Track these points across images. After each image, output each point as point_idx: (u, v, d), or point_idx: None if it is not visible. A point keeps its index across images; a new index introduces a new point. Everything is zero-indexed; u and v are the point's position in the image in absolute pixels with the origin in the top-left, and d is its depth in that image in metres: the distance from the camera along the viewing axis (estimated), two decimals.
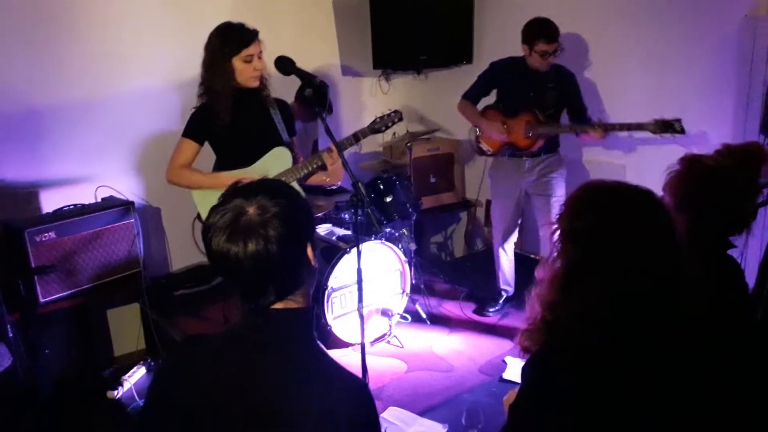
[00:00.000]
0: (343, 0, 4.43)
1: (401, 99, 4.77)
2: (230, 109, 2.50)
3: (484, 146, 3.54)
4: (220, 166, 2.71)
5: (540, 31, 3.15)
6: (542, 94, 3.29)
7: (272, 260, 1.03)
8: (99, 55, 3.50)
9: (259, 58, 2.51)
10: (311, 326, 1.18)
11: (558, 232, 1.15)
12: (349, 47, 4.50)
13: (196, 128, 2.61)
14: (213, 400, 1.07)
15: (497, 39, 4.32)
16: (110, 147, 3.60)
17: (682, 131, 2.90)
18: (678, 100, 3.26)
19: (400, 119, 2.78)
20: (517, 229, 3.63)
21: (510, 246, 3.63)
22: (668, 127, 2.89)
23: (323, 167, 2.59)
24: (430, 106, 4.88)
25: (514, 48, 3.40)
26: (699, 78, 3.25)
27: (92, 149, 3.52)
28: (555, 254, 1.15)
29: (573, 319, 1.09)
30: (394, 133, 4.36)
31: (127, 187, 3.53)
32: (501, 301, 3.72)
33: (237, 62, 2.47)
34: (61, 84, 3.39)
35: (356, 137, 2.66)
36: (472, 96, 3.50)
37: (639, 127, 2.99)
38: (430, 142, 4.56)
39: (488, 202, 4.67)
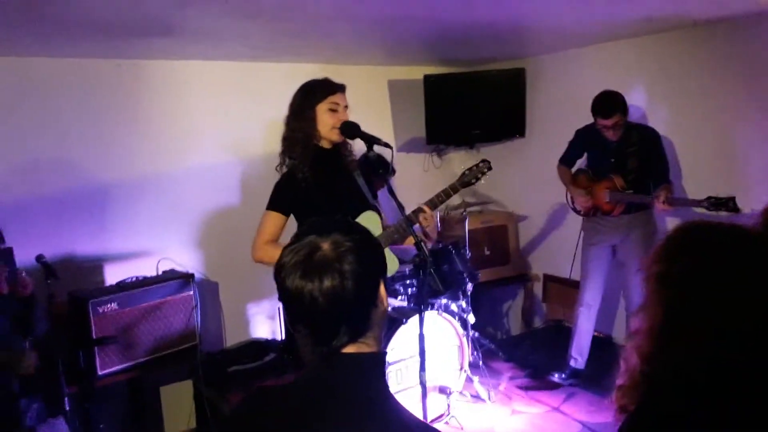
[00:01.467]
0: (398, 78, 4.59)
1: (454, 174, 4.78)
2: (311, 165, 2.31)
3: (578, 206, 3.64)
4: None
5: (597, 107, 3.31)
6: (623, 159, 3.38)
7: (347, 297, 1.00)
8: (163, 132, 3.69)
9: (345, 111, 2.37)
10: (384, 371, 1.13)
11: (651, 277, 1.06)
12: (402, 123, 4.61)
13: (281, 198, 2.38)
14: None
15: (549, 112, 4.36)
16: (173, 221, 3.70)
17: (736, 209, 2.88)
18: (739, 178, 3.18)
19: (490, 168, 2.62)
20: (600, 298, 3.54)
21: (593, 308, 3.55)
22: (722, 205, 2.89)
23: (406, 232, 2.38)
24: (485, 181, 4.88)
25: (566, 120, 3.44)
26: (764, 138, 3.15)
27: (156, 223, 3.63)
28: (650, 300, 1.06)
29: (674, 371, 0.99)
30: (447, 207, 4.35)
31: (187, 261, 3.60)
32: (568, 372, 3.55)
33: (321, 111, 2.32)
34: (127, 160, 3.57)
35: (447, 193, 2.50)
36: (565, 160, 3.69)
37: (693, 203, 3.03)
38: (484, 215, 4.52)
39: (545, 276, 4.53)
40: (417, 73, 4.55)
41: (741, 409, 0.97)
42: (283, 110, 2.44)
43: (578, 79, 4.10)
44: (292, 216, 2.43)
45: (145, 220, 3.61)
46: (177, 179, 3.74)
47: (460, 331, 3.28)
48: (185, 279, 3.25)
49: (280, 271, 1.05)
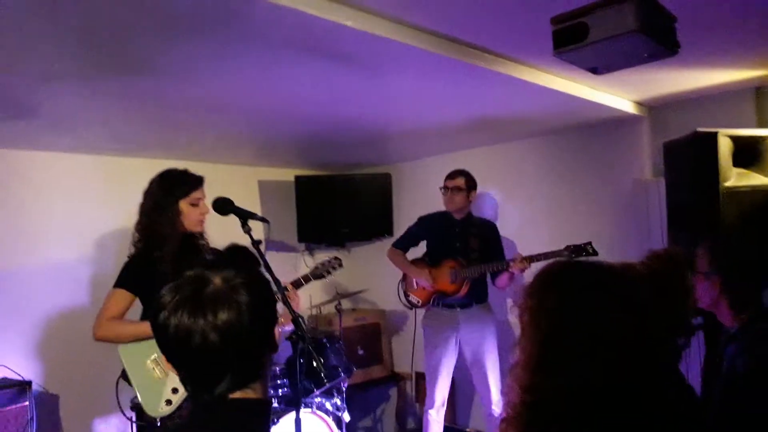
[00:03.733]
0: (269, 179, 4.64)
1: None
2: (175, 255, 2.31)
3: (414, 298, 3.57)
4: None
5: (446, 177, 3.51)
6: (466, 241, 3.45)
7: (243, 332, 0.93)
8: (9, 227, 3.37)
9: (204, 203, 2.44)
10: (269, 422, 1.03)
11: (524, 313, 1.14)
12: (274, 223, 4.56)
13: (131, 278, 2.35)
14: None
15: (415, 212, 4.58)
16: (12, 322, 3.28)
17: (595, 252, 3.00)
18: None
19: (341, 266, 2.82)
20: (447, 395, 3.49)
21: (441, 409, 3.47)
22: (582, 250, 3.01)
23: None
24: (354, 279, 4.94)
25: None
26: (602, 233, 3.56)
27: None
28: (524, 335, 1.12)
29: (556, 395, 1.04)
30: (320, 306, 4.31)
31: (26, 368, 3.16)
32: None
33: (184, 205, 2.38)
34: None
35: (298, 283, 2.59)
36: (400, 245, 3.68)
37: (555, 254, 3.07)
38: (357, 312, 4.53)
39: (418, 375, 4.54)
40: (288, 174, 4.66)
41: (612, 426, 1.03)
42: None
43: (439, 183, 4.43)
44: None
45: None
46: (21, 276, 3.37)
47: (335, 430, 3.13)
48: (21, 387, 2.83)
49: (158, 312, 0.96)
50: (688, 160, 2.70)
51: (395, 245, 3.69)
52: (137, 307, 2.45)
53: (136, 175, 3.74)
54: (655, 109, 3.41)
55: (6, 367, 3.00)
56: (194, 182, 2.42)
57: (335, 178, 4.74)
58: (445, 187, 3.47)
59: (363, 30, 1.92)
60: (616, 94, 3.19)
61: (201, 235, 2.50)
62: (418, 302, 3.56)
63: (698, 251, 1.78)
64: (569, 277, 1.16)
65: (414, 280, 3.58)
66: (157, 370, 2.31)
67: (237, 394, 0.97)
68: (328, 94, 2.73)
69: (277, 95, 2.72)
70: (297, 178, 4.57)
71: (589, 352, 1.07)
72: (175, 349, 0.95)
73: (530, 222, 3.97)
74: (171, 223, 2.34)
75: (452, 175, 3.49)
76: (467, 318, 3.42)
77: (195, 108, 2.87)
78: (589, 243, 3.04)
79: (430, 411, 3.46)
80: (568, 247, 3.06)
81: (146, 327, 2.23)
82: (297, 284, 2.64)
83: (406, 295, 3.63)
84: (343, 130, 3.54)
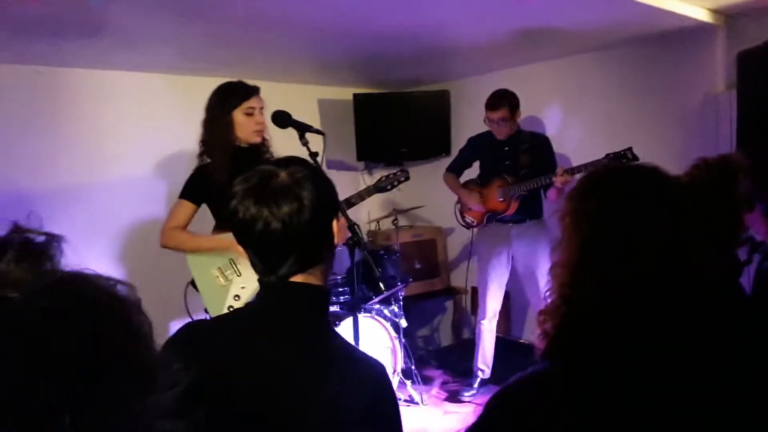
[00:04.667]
0: (327, 98, 4.71)
1: (385, 193, 4.91)
2: (228, 167, 2.35)
3: (469, 218, 3.67)
4: (219, 230, 2.56)
5: (486, 101, 3.42)
6: (516, 158, 3.46)
7: (302, 225, 1.00)
8: (87, 143, 3.60)
9: (261, 113, 2.45)
10: (328, 306, 1.14)
11: (565, 215, 1.18)
12: (333, 142, 4.67)
13: (193, 189, 2.46)
14: (227, 384, 1.00)
15: (473, 132, 4.56)
16: (95, 233, 3.57)
17: (635, 158, 2.94)
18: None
19: (407, 178, 2.78)
20: (500, 307, 3.61)
21: (493, 320, 3.60)
22: (621, 157, 2.96)
23: None
24: (412, 197, 5.04)
25: None
26: (667, 151, 3.46)
27: (78, 235, 3.45)
28: (565, 237, 1.17)
29: (593, 291, 1.09)
30: (378, 221, 4.45)
31: (107, 274, 3.48)
32: (476, 385, 3.60)
33: (238, 115, 2.39)
34: (49, 170, 3.45)
35: (361, 196, 2.61)
36: (454, 168, 3.72)
37: (595, 164, 2.98)
38: (414, 229, 4.65)
39: (473, 290, 4.68)
40: (346, 93, 4.69)
41: (647, 328, 1.08)
42: None
43: None
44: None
45: (66, 232, 3.45)
46: (101, 191, 3.64)
47: (393, 334, 3.33)
48: None
49: (230, 199, 1.04)
50: (764, 69, 2.55)
51: (449, 169, 3.75)
52: (209, 220, 2.59)
53: (203, 93, 3.91)
54: (732, 17, 3.19)
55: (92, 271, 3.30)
56: (247, 91, 2.43)
57: (393, 96, 4.74)
58: (489, 119, 3.43)
59: None
60: (689, 1, 3.00)
61: (265, 147, 2.52)
62: (473, 222, 3.66)
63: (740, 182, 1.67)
64: (609, 182, 1.18)
65: (464, 201, 3.66)
66: (221, 278, 2.44)
67: (299, 278, 1.06)
68: (385, 3, 2.70)
69: (335, 7, 2.73)
70: (355, 96, 4.61)
71: (626, 255, 1.10)
72: (243, 233, 1.04)
73: (593, 140, 3.88)
74: (225, 134, 2.38)
75: (494, 106, 3.39)
76: (519, 233, 3.48)
77: (258, 25, 2.92)
78: (629, 149, 2.96)
79: (483, 322, 3.59)
80: (607, 156, 3.00)
81: (205, 241, 2.45)
82: (359, 197, 2.66)
83: (462, 216, 3.72)
84: (401, 44, 3.51)
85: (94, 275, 0.56)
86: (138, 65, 3.69)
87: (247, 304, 1.13)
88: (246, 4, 2.62)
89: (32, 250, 0.54)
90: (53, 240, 0.56)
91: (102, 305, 0.54)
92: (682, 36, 3.33)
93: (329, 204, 1.10)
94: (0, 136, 3.29)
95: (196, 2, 2.54)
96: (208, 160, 2.47)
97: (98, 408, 0.48)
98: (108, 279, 0.56)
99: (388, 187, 2.78)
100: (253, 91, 2.44)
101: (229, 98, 2.41)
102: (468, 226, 3.72)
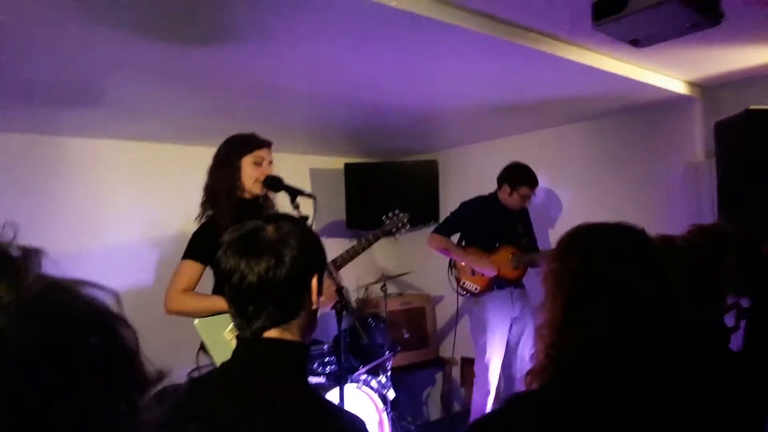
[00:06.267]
0: (319, 167, 4.78)
1: (374, 259, 4.91)
2: (231, 213, 2.22)
3: (471, 285, 3.53)
4: (219, 290, 2.37)
5: (526, 176, 3.46)
6: (513, 227, 3.49)
7: (279, 280, 1.02)
8: (77, 211, 3.62)
9: (269, 166, 2.38)
10: (306, 363, 1.12)
11: (548, 276, 1.18)
12: (324, 209, 4.71)
13: (199, 246, 2.28)
14: None
15: (461, 197, 4.63)
16: None
17: None
18: None
19: (409, 221, 2.76)
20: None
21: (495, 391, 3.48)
22: None
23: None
24: (401, 264, 5.02)
25: None
26: (651, 218, 3.49)
27: None
28: (549, 296, 1.17)
29: (577, 349, 1.08)
30: (367, 288, 4.41)
31: None
32: None
33: (246, 163, 2.32)
34: (36, 235, 3.33)
35: (368, 241, 2.52)
36: (446, 231, 3.59)
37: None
38: (402, 297, 4.60)
39: (464, 360, 4.58)
40: (338, 163, 4.78)
41: (630, 377, 1.06)
42: (200, 194, 2.41)
43: (485, 169, 4.44)
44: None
45: None
46: (88, 260, 3.60)
47: (380, 406, 3.22)
48: None
49: (218, 249, 1.07)
50: (741, 138, 2.64)
51: (440, 232, 3.60)
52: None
53: (195, 163, 3.96)
54: (709, 89, 3.33)
55: None
56: (260, 142, 2.37)
57: (383, 165, 4.82)
58: (525, 196, 3.45)
59: (406, 10, 1.99)
60: (667, 74, 3.13)
61: (268, 202, 2.45)
62: (476, 289, 3.51)
63: None
64: (590, 241, 1.19)
65: (471, 267, 3.53)
66: (234, 341, 2.31)
67: (274, 333, 1.06)
68: (378, 78, 2.82)
69: (331, 80, 2.83)
70: (346, 165, 4.68)
71: (608, 313, 1.11)
72: (224, 285, 1.06)
73: (578, 208, 3.94)
74: (231, 179, 2.31)
75: (534, 183, 3.47)
76: (519, 296, 3.49)
77: (253, 94, 3.01)
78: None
79: (489, 396, 3.43)
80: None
81: (221, 302, 2.25)
82: (368, 242, 2.58)
83: (459, 282, 3.60)
84: (392, 115, 3.62)
85: (75, 286, 0.53)
86: (131, 134, 3.76)
87: (222, 364, 1.10)
88: (246, 77, 2.70)
89: (9, 265, 0.51)
90: (31, 253, 0.54)
91: (85, 321, 0.51)
92: (662, 107, 3.46)
93: (312, 262, 1.10)
94: None
95: (198, 75, 2.63)
96: (210, 212, 2.36)
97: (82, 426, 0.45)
98: (91, 290, 0.54)
99: (393, 230, 2.70)
100: (264, 143, 2.39)
101: (241, 145, 2.36)
102: (467, 292, 3.58)
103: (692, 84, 3.30)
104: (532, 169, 3.49)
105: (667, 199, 3.47)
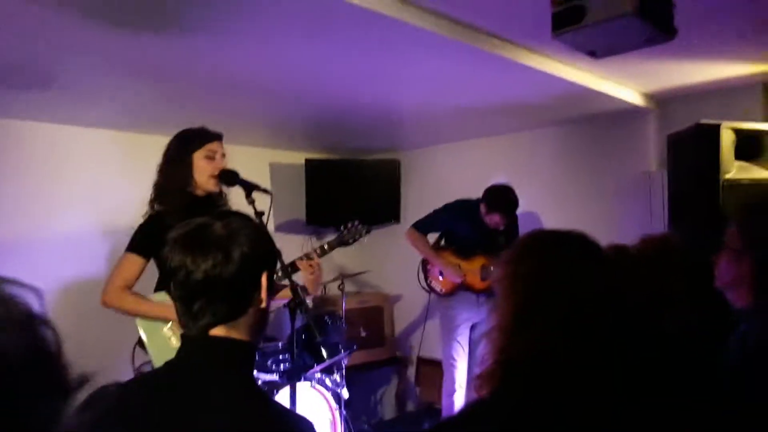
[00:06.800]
0: (279, 162, 4.72)
1: (331, 257, 4.86)
2: (182, 213, 2.06)
3: (436, 285, 3.57)
4: (162, 286, 2.32)
5: (501, 205, 3.37)
6: (493, 238, 3.43)
7: (225, 277, 1.00)
8: (28, 193, 3.49)
9: (222, 159, 2.30)
10: (252, 363, 1.10)
11: (502, 279, 1.18)
12: (283, 205, 4.68)
13: (143, 240, 2.22)
14: None
15: (422, 199, 4.65)
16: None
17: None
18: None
19: (368, 232, 2.70)
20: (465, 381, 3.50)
21: (464, 391, 3.47)
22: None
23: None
24: (360, 262, 5.01)
25: (437, 206, 3.66)
26: (607, 224, 3.58)
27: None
28: (502, 300, 1.17)
29: (526, 355, 1.09)
30: (325, 285, 4.39)
31: None
32: None
33: (198, 158, 2.25)
34: None
35: (323, 249, 2.49)
36: (423, 228, 3.58)
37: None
38: (360, 295, 4.59)
39: (420, 360, 4.61)
40: (299, 157, 4.72)
41: (578, 388, 1.07)
42: None
43: (448, 170, 4.49)
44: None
45: None
46: (38, 246, 3.49)
47: (334, 405, 3.20)
48: None
49: (165, 245, 1.05)
50: (691, 151, 2.72)
51: (418, 228, 3.59)
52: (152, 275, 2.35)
53: (150, 151, 3.86)
54: (663, 102, 3.43)
55: None
56: (210, 135, 2.31)
57: (345, 162, 4.80)
58: (496, 223, 3.39)
59: (364, 6, 1.98)
60: (624, 85, 3.21)
61: (222, 200, 2.39)
62: (441, 290, 3.56)
63: (728, 229, 1.76)
64: (546, 245, 1.20)
65: (438, 270, 3.55)
66: (173, 338, 2.26)
67: (220, 331, 1.03)
68: (338, 75, 2.79)
69: (291, 73, 2.79)
70: (307, 161, 4.64)
71: (560, 319, 1.12)
72: (170, 282, 1.03)
73: (538, 211, 4.00)
74: (182, 176, 2.25)
75: (510, 212, 3.41)
76: (486, 302, 3.45)
77: (210, 83, 2.94)
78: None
79: (455, 393, 3.45)
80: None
81: (155, 308, 2.19)
82: (322, 251, 2.52)
83: (426, 279, 3.63)
84: (354, 113, 3.60)
85: None
86: (86, 121, 3.65)
87: (166, 362, 1.07)
88: (203, 67, 2.65)
89: None
90: None
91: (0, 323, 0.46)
92: (619, 117, 3.55)
93: (262, 259, 1.08)
94: None
95: (154, 64, 2.56)
96: (159, 208, 2.29)
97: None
98: (11, 288, 0.49)
99: (350, 241, 2.67)
100: (215, 136, 2.32)
101: (190, 140, 2.28)
102: (432, 291, 3.62)
103: (648, 96, 3.40)
104: (515, 197, 3.42)
105: (623, 205, 3.56)
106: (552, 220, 3.87)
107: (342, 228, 2.70)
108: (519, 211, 4.01)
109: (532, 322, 1.13)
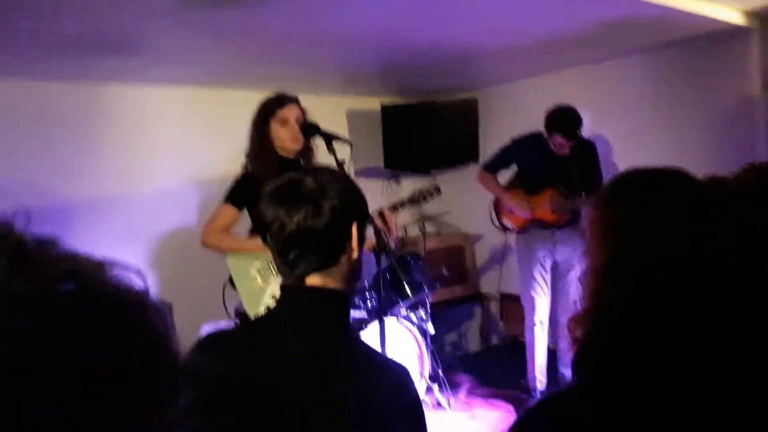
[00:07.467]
0: (355, 108, 4.79)
1: None
2: (269, 177, 2.30)
3: (508, 223, 3.57)
4: (254, 233, 2.59)
5: (559, 125, 3.22)
6: (566, 170, 3.34)
7: (318, 229, 1.05)
8: (121, 155, 3.78)
9: (297, 122, 2.47)
10: (348, 310, 1.16)
11: (593, 223, 1.17)
12: (360, 151, 4.76)
13: (237, 194, 2.50)
14: (249, 388, 1.02)
15: (502, 138, 4.58)
16: (128, 243, 3.72)
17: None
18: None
19: (439, 194, 2.82)
20: (546, 318, 3.52)
21: (545, 327, 3.49)
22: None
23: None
24: (439, 204, 5.07)
25: None
26: (701, 155, 3.42)
27: (116, 242, 3.64)
28: (594, 244, 1.16)
29: (620, 300, 1.08)
30: (405, 228, 4.50)
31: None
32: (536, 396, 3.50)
33: (274, 125, 2.47)
34: (86, 182, 3.63)
35: (394, 207, 2.61)
36: (492, 168, 3.58)
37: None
38: (441, 236, 4.68)
39: (502, 295, 4.68)
40: (374, 103, 4.76)
41: (678, 331, 1.05)
42: (242, 137, 2.56)
43: (527, 107, 4.38)
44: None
45: (105, 239, 3.61)
46: (134, 201, 3.80)
47: (420, 339, 3.36)
48: None
49: (258, 200, 1.11)
50: None
51: (486, 168, 3.60)
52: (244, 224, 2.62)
53: (232, 106, 4.05)
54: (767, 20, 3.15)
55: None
56: (281, 101, 2.49)
57: (421, 105, 4.79)
58: (559, 145, 3.26)
59: None
60: (724, 4, 2.96)
61: (308, 155, 2.56)
62: (513, 227, 3.56)
63: None
64: (636, 188, 1.15)
65: (509, 207, 3.53)
66: (259, 279, 2.49)
67: (316, 280, 1.10)
68: (411, 13, 2.75)
69: (363, 23, 2.80)
70: (383, 106, 4.68)
71: (656, 263, 1.07)
72: (265, 234, 1.10)
73: (626, 144, 3.86)
74: (264, 145, 2.46)
75: (572, 133, 3.22)
76: (564, 238, 3.41)
77: (289, 41, 3.02)
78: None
79: (535, 328, 3.50)
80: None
81: (250, 244, 2.46)
82: (394, 207, 2.65)
83: (499, 219, 3.63)
84: (428, 55, 3.55)
85: (100, 270, 0.46)
86: (171, 80, 3.84)
87: (268, 310, 1.18)
88: (279, 23, 2.72)
89: (23, 255, 0.43)
90: (47, 243, 0.46)
91: (112, 312, 0.44)
92: (717, 39, 3.30)
93: (351, 211, 1.12)
94: (42, 150, 3.47)
95: (230, 23, 2.65)
96: (252, 170, 2.52)
97: (114, 419, 0.41)
98: (119, 272, 0.48)
99: (421, 200, 2.81)
100: (286, 101, 2.50)
101: (266, 109, 2.49)
102: (504, 229, 3.64)
103: (750, 14, 3.12)
104: (576, 115, 3.23)
105: (720, 135, 3.36)
106: (642, 155, 3.73)
107: (416, 190, 2.83)
108: (607, 146, 3.89)
109: (624, 270, 1.10)
